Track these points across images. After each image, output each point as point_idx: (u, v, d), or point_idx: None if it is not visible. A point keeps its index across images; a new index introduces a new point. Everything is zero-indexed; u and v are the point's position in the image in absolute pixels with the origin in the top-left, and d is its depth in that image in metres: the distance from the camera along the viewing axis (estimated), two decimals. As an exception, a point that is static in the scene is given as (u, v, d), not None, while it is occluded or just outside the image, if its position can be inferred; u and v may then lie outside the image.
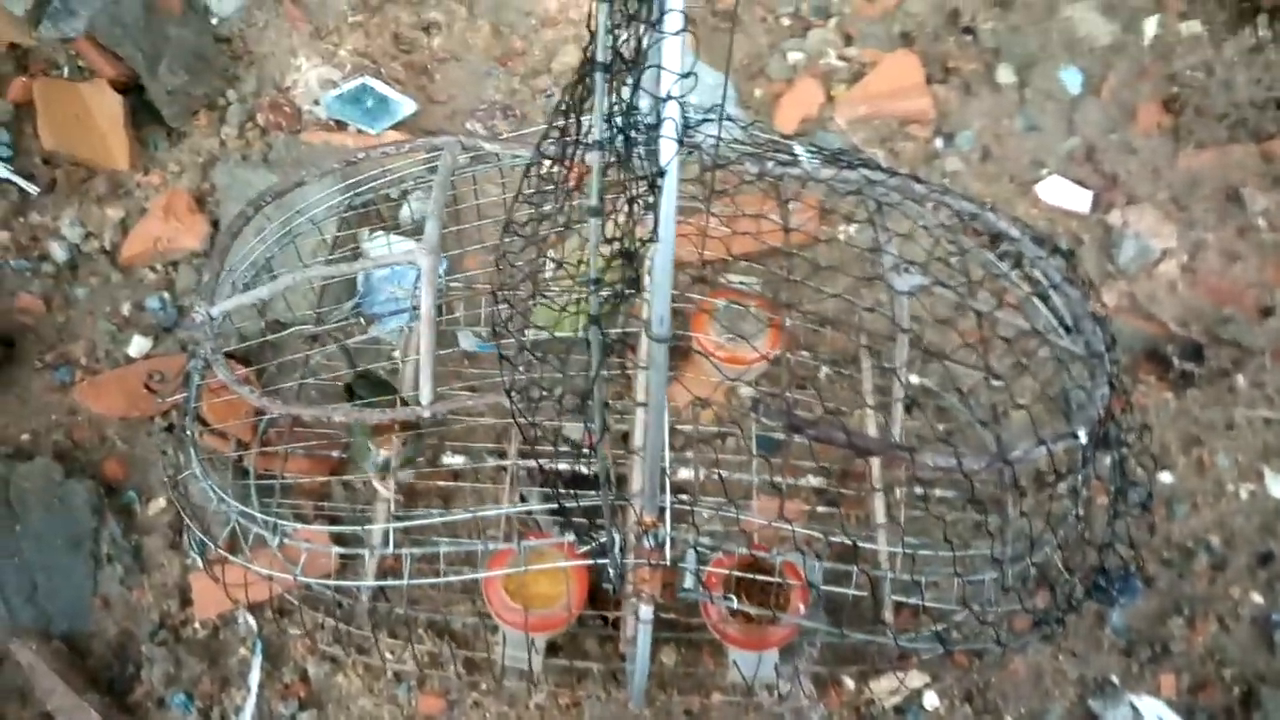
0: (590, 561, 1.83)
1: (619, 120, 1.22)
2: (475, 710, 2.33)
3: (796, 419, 1.55)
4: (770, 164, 2.00)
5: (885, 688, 2.30)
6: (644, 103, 1.91)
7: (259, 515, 1.95)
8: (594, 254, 1.23)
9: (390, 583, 2.01)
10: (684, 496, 1.90)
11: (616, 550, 1.68)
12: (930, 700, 2.33)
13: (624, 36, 1.34)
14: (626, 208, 1.32)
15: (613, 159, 1.84)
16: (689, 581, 1.86)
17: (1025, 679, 2.36)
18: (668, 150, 1.13)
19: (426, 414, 1.89)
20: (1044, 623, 1.89)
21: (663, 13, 1.11)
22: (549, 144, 2.05)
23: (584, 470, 2.47)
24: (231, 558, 1.98)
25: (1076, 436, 1.68)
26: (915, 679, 2.33)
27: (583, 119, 1.96)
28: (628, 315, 2.42)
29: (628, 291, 1.18)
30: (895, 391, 2.13)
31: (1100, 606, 2.40)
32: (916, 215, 2.18)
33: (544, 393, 1.68)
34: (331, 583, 1.95)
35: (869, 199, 1.97)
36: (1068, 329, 2.03)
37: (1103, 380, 1.76)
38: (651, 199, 1.40)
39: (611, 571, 1.71)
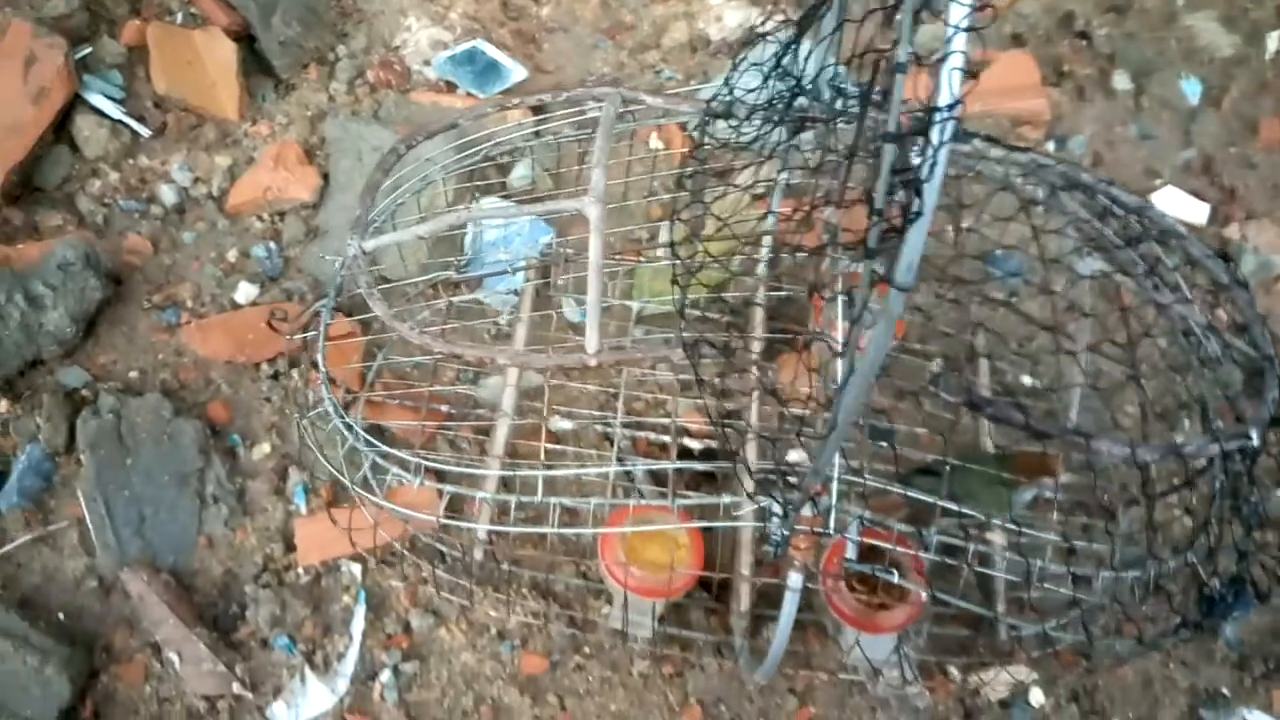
0: (751, 524, 1.81)
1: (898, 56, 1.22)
2: (578, 673, 2.30)
3: (977, 396, 1.53)
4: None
5: (996, 679, 2.27)
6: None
7: (405, 457, 1.94)
8: (884, 182, 1.22)
9: (534, 529, 1.99)
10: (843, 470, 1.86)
11: (782, 515, 1.65)
12: (1036, 697, 2.30)
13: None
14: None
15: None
16: (851, 552, 1.84)
17: (1134, 684, 2.33)
18: (955, 82, 1.14)
19: (593, 363, 1.89)
20: (1184, 625, 1.86)
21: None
22: (716, 103, 2.04)
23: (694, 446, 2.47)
24: (370, 497, 1.96)
25: (1249, 436, 1.65)
26: (1023, 674, 2.30)
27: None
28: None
29: (907, 223, 1.16)
30: (1074, 376, 2.10)
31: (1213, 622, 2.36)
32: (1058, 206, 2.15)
33: (715, 349, 1.67)
34: (482, 526, 1.92)
35: (1043, 182, 1.94)
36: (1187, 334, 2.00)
37: (1274, 382, 1.73)
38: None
39: (777, 535, 1.69)
